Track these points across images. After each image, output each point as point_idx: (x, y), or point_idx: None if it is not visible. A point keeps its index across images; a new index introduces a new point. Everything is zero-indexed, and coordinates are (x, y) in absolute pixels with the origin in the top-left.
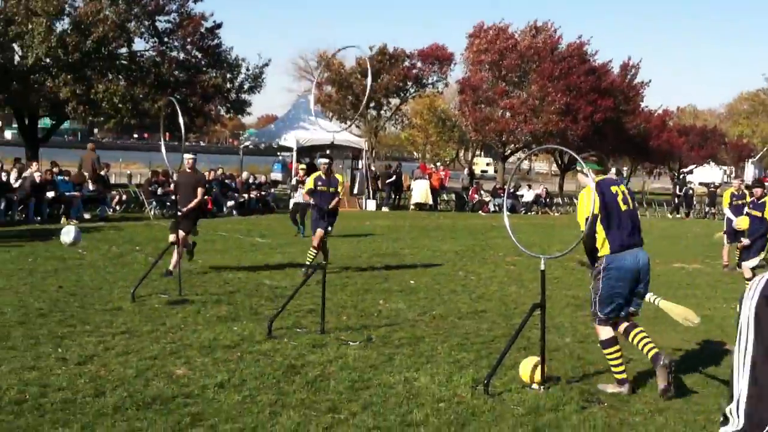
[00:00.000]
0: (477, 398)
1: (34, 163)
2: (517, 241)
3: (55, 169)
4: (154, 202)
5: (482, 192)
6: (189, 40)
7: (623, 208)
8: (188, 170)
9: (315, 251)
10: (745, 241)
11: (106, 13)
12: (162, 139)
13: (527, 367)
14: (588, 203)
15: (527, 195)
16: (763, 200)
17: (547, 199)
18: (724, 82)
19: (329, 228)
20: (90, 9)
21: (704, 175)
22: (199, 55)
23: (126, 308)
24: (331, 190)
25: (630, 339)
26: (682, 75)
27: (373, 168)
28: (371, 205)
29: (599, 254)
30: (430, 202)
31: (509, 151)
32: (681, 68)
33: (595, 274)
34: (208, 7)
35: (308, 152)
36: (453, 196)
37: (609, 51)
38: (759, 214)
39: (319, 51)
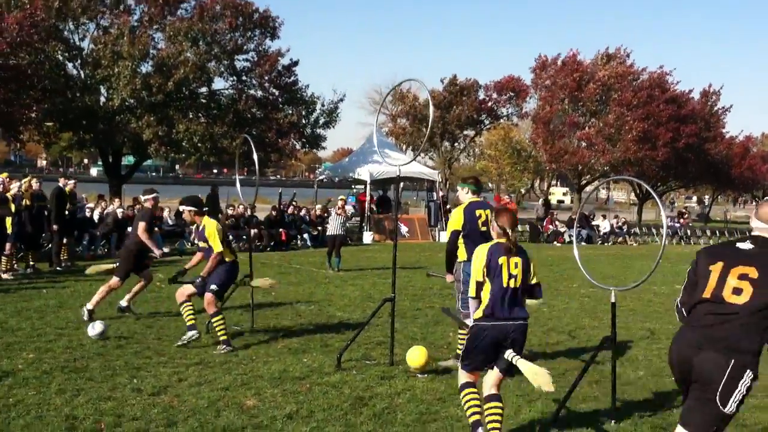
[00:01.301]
0: None
1: (117, 200)
2: (589, 272)
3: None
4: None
5: (557, 222)
6: (266, 78)
7: (482, 229)
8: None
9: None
10: None
11: (187, 55)
12: (237, 174)
13: (413, 355)
14: (458, 219)
15: (604, 225)
16: None
17: (625, 229)
18: None
19: None
20: (172, 51)
21: None
22: (276, 92)
23: (201, 340)
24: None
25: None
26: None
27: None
28: (445, 236)
29: (458, 260)
30: None
31: (585, 181)
32: (766, 94)
33: (458, 277)
34: (285, 44)
35: (381, 185)
36: (527, 227)
37: (689, 76)
38: None
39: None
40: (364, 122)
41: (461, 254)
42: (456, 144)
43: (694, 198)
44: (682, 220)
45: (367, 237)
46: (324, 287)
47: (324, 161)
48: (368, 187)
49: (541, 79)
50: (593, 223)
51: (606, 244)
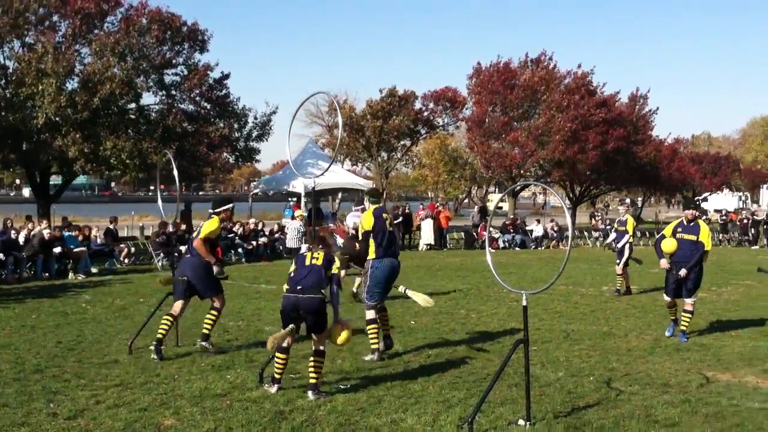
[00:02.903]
0: None
1: (44, 221)
2: (499, 275)
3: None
4: (161, 254)
5: (491, 229)
6: (197, 91)
7: (389, 229)
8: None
9: None
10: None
11: (114, 71)
12: (158, 190)
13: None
14: (369, 220)
15: (537, 229)
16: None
17: (558, 233)
18: (739, 108)
19: None
20: (98, 67)
21: (719, 202)
22: (207, 106)
23: (122, 361)
24: None
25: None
26: (698, 103)
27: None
28: None
29: (368, 257)
30: (431, 241)
31: (518, 187)
32: (696, 96)
33: (365, 272)
34: (215, 57)
35: (317, 196)
36: (462, 234)
37: (620, 82)
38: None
39: (330, 96)
40: (300, 134)
41: (371, 252)
42: (393, 154)
43: (628, 200)
44: (593, 222)
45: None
46: (254, 302)
47: (263, 174)
48: (303, 199)
49: (476, 85)
50: (527, 228)
51: (539, 248)
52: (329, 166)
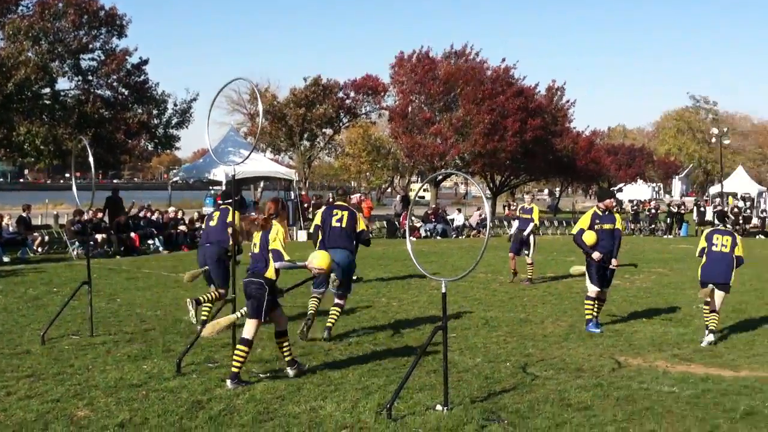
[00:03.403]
0: (380, 423)
1: None
2: (419, 264)
3: None
4: (76, 243)
5: (413, 218)
6: (114, 77)
7: (335, 225)
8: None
9: None
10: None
11: (28, 55)
12: (72, 177)
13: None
14: (318, 218)
15: (458, 219)
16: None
17: (479, 222)
18: (653, 101)
19: None
20: (11, 51)
21: (634, 192)
22: (126, 92)
23: (35, 351)
24: None
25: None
26: (614, 96)
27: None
28: (302, 235)
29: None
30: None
31: (441, 177)
32: (612, 90)
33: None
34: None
35: (238, 185)
36: (384, 223)
37: (539, 76)
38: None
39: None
40: (221, 122)
41: (318, 245)
42: (316, 143)
43: (546, 190)
44: (507, 212)
45: None
46: (173, 291)
47: (184, 162)
48: (223, 187)
49: (399, 75)
50: (448, 217)
51: (460, 237)
52: (249, 154)
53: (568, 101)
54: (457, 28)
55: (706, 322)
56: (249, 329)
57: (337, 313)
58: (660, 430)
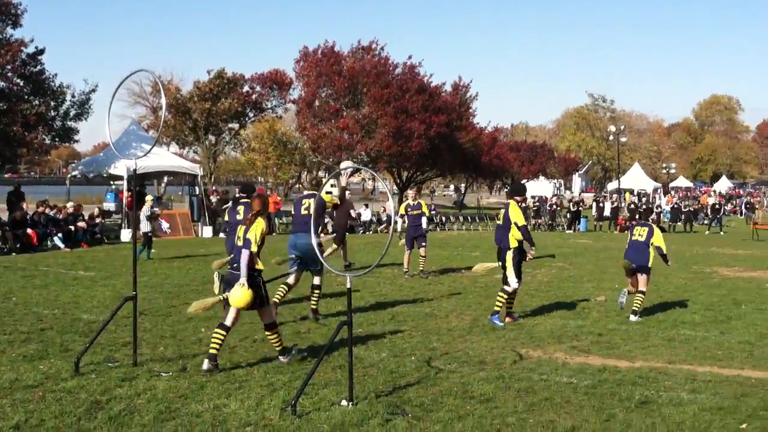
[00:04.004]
0: (284, 419)
1: None
2: (325, 259)
3: None
4: None
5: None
6: (9, 67)
7: (303, 212)
8: None
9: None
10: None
11: None
12: None
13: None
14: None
15: (365, 214)
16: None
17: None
18: (555, 99)
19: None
20: None
21: (536, 188)
22: (21, 83)
23: None
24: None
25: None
26: (517, 94)
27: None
28: (207, 231)
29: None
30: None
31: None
32: (515, 88)
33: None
34: (29, 33)
35: (141, 180)
36: (291, 218)
37: (446, 74)
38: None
39: (155, 76)
40: (123, 115)
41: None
42: (221, 137)
43: (452, 186)
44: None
45: (125, 235)
46: (71, 289)
47: (83, 156)
48: (125, 182)
49: (304, 69)
50: (359, 212)
51: (367, 232)
52: (151, 148)
53: (470, 96)
54: (364, 26)
55: (633, 306)
56: (231, 317)
57: (317, 295)
58: (559, 419)
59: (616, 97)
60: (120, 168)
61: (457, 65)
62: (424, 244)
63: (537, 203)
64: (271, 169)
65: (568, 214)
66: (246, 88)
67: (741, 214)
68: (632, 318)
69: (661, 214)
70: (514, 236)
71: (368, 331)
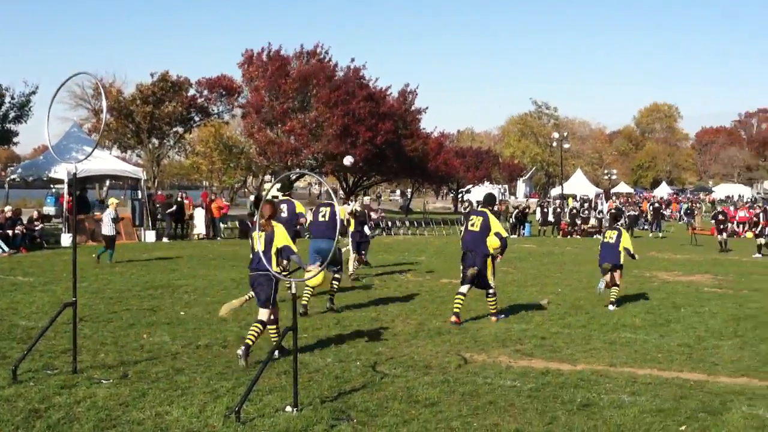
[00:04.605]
0: (228, 426)
1: None
2: (269, 264)
3: None
4: None
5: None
6: None
7: (320, 219)
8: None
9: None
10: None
11: None
12: None
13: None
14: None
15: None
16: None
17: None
18: (500, 105)
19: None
20: None
21: (481, 194)
22: None
23: None
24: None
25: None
26: (463, 101)
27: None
28: (151, 236)
29: None
30: (203, 231)
31: (294, 177)
32: (462, 94)
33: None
34: None
35: (82, 183)
36: (237, 223)
37: (391, 79)
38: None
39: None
40: (63, 117)
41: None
42: (165, 141)
43: (398, 191)
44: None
45: (66, 239)
46: (10, 295)
47: (23, 159)
48: (66, 186)
49: (249, 72)
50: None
51: None
52: (92, 152)
53: (418, 109)
54: (310, 31)
55: (611, 298)
56: (263, 314)
57: (336, 285)
58: (502, 423)
59: (560, 105)
60: (60, 171)
61: (402, 72)
62: (364, 251)
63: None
64: (216, 173)
65: (512, 219)
66: (192, 92)
67: (680, 219)
68: (611, 308)
69: (603, 220)
70: (492, 244)
71: (313, 336)
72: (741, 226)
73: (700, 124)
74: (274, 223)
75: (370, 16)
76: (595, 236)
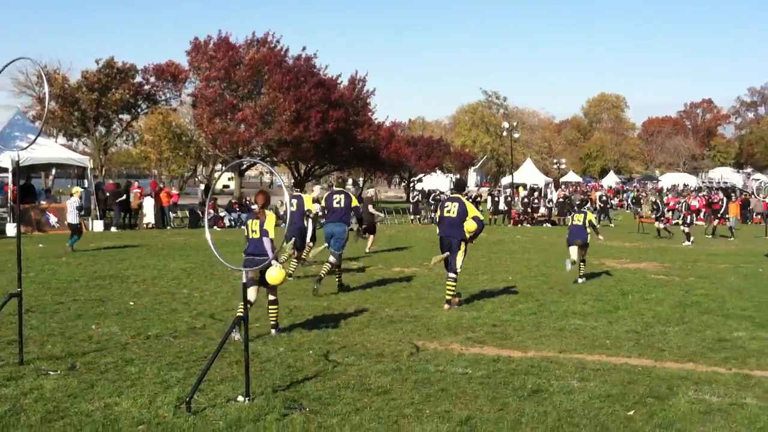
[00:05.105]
0: (179, 417)
1: None
2: (220, 254)
3: None
4: None
5: (218, 207)
6: None
7: (335, 206)
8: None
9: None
10: None
11: None
12: None
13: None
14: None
15: None
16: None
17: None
18: (450, 95)
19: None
20: None
21: (433, 183)
22: None
23: None
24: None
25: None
26: (414, 90)
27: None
28: (99, 225)
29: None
30: (152, 220)
31: (245, 166)
32: (413, 84)
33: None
34: None
35: (27, 172)
36: (187, 212)
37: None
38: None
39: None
40: (6, 104)
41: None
42: (112, 129)
43: (350, 180)
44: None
45: (11, 229)
46: None
47: None
48: (10, 175)
49: (198, 61)
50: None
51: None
52: (34, 140)
53: (368, 91)
54: (257, 21)
55: (580, 272)
56: (253, 294)
57: (328, 267)
58: (454, 409)
59: (509, 95)
60: (4, 160)
61: (352, 63)
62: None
63: (437, 196)
64: (165, 162)
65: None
66: (138, 79)
67: (628, 208)
68: (580, 281)
69: (552, 209)
70: (469, 228)
71: (266, 325)
72: (696, 214)
73: (647, 114)
74: (266, 211)
75: (321, 9)
76: (545, 225)
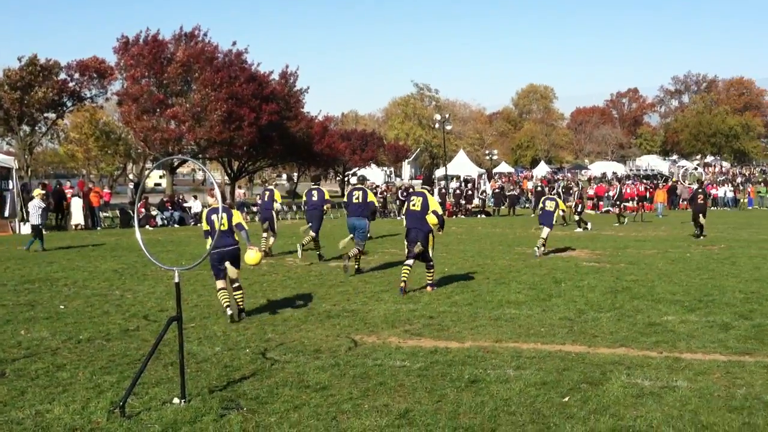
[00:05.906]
0: (113, 422)
1: None
2: (151, 253)
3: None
4: None
5: (149, 206)
6: None
7: (354, 201)
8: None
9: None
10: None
11: None
12: None
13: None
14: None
15: (195, 206)
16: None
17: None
18: (383, 88)
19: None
20: None
21: (367, 176)
22: None
23: None
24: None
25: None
26: (346, 84)
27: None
28: (26, 228)
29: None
30: (81, 221)
31: (176, 163)
32: (345, 78)
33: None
34: None
35: None
36: (118, 212)
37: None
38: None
39: None
40: None
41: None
42: (37, 128)
43: (284, 176)
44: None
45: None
46: None
47: None
48: None
49: (126, 59)
50: (186, 204)
51: (198, 224)
52: None
53: (301, 89)
54: (184, 14)
55: (538, 244)
56: (233, 273)
57: (357, 255)
58: (393, 403)
59: (441, 87)
60: None
61: (283, 58)
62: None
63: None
64: (94, 161)
65: (397, 201)
66: (63, 76)
67: (560, 196)
68: (537, 252)
69: (486, 200)
70: (431, 221)
71: (201, 325)
72: (630, 201)
73: (575, 105)
74: (234, 209)
75: (252, 4)
76: (479, 216)
